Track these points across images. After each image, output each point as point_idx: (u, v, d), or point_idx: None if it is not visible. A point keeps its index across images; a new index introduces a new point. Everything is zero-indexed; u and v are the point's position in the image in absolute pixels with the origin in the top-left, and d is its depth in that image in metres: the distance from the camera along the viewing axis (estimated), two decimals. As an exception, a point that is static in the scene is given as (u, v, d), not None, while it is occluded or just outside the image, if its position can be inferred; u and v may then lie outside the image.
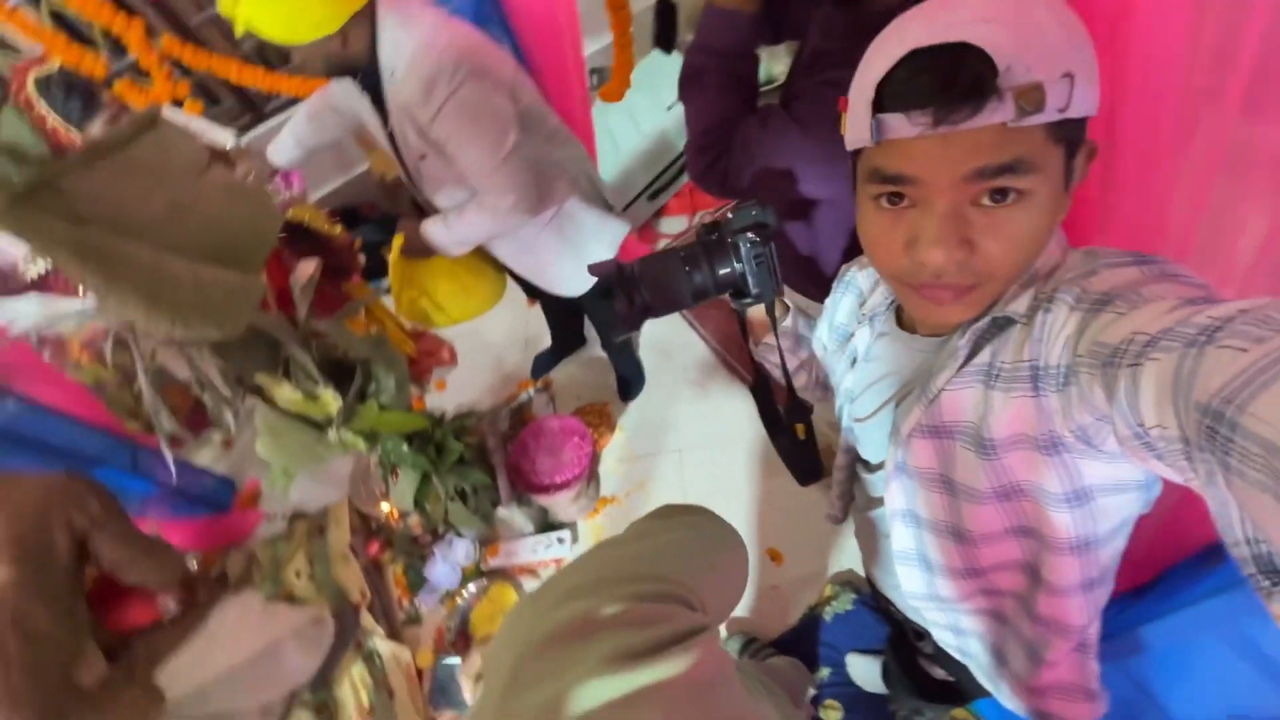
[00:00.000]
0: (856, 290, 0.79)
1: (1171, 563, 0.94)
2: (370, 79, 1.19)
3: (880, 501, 0.73)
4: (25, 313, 0.96)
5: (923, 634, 0.88)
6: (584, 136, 1.84)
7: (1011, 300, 0.54)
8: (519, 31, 1.57)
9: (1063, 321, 0.49)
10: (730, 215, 0.71)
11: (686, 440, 1.98)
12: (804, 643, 1.57)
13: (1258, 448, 0.29)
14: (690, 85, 0.94)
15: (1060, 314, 0.49)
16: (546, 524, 1.87)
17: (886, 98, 0.49)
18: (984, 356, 0.56)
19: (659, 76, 2.51)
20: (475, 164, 1.19)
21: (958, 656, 0.80)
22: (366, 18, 1.12)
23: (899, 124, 0.48)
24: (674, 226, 2.55)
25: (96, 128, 1.22)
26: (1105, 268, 0.50)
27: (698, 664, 0.38)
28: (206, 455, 1.16)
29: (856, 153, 0.56)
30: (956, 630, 0.76)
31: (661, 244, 2.53)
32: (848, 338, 0.77)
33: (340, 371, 1.26)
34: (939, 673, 1.09)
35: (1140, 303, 0.43)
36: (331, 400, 1.16)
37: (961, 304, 0.55)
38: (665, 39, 1.20)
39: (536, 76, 1.69)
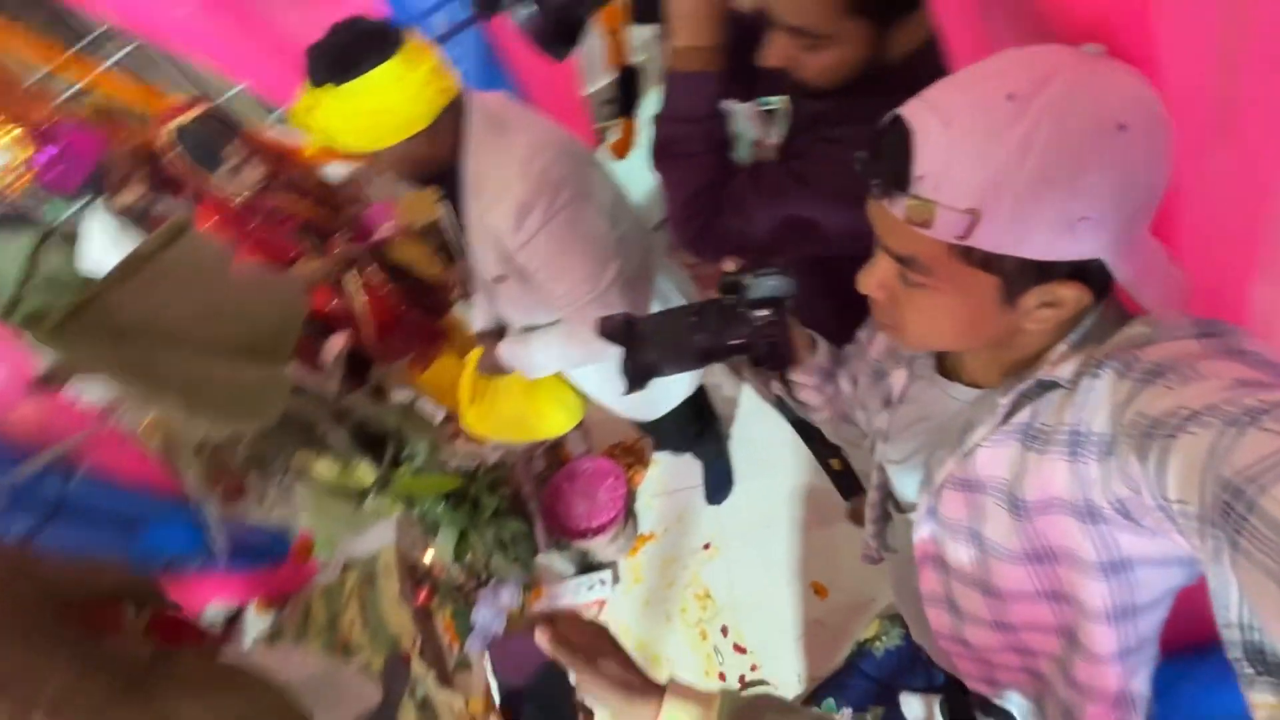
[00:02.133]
0: None
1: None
2: (450, 180, 1.04)
3: (910, 544, 0.71)
4: (95, 385, 1.01)
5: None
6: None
7: (1059, 362, 0.53)
8: (526, 91, 1.60)
9: (1109, 390, 0.47)
10: (749, 282, 0.69)
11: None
12: (854, 679, 1.53)
13: (1271, 531, 0.29)
14: (665, 155, 0.91)
15: (1107, 382, 0.48)
16: (587, 564, 1.88)
17: None
18: (1024, 416, 0.55)
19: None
20: (568, 297, 1.06)
21: (998, 702, 0.77)
22: (454, 113, 0.99)
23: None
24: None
25: (222, 174, 1.45)
26: (1164, 338, 0.48)
27: None
28: (259, 511, 1.21)
29: None
30: (991, 682, 0.75)
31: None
32: (882, 375, 0.75)
33: (375, 439, 1.30)
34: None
35: (1194, 379, 0.42)
36: (367, 471, 1.19)
37: (891, 336, 0.59)
38: (627, 105, 1.20)
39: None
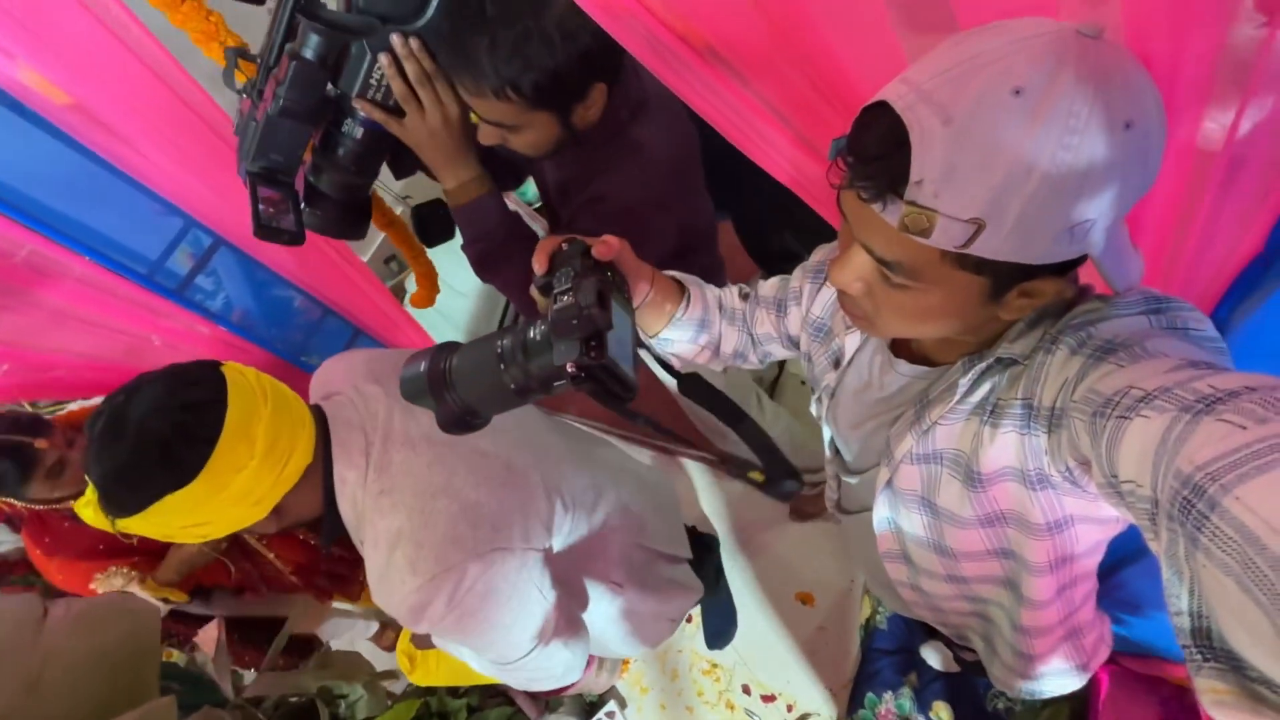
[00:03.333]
0: None
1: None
2: (332, 528, 0.84)
3: (863, 505, 0.73)
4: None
5: None
6: (414, 342, 1.82)
7: (1017, 339, 0.53)
8: (303, 284, 1.53)
9: (1061, 365, 0.48)
10: (558, 280, 0.61)
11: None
12: (877, 663, 1.53)
13: (1235, 533, 0.28)
14: (486, 269, 1.02)
15: (1060, 357, 0.48)
16: (589, 706, 1.73)
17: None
18: (981, 392, 0.55)
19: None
20: (494, 664, 0.86)
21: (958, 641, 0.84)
22: (313, 471, 0.80)
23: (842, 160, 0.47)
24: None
25: (36, 485, 1.14)
26: (1116, 314, 0.48)
27: None
28: None
29: None
30: (945, 625, 0.81)
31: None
32: (827, 333, 0.75)
33: (304, 710, 1.11)
34: (967, 654, 1.10)
35: (1143, 357, 0.42)
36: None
37: (862, 329, 0.57)
38: (426, 238, 1.20)
39: (347, 313, 1.65)
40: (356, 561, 1.46)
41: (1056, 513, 0.55)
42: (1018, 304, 0.49)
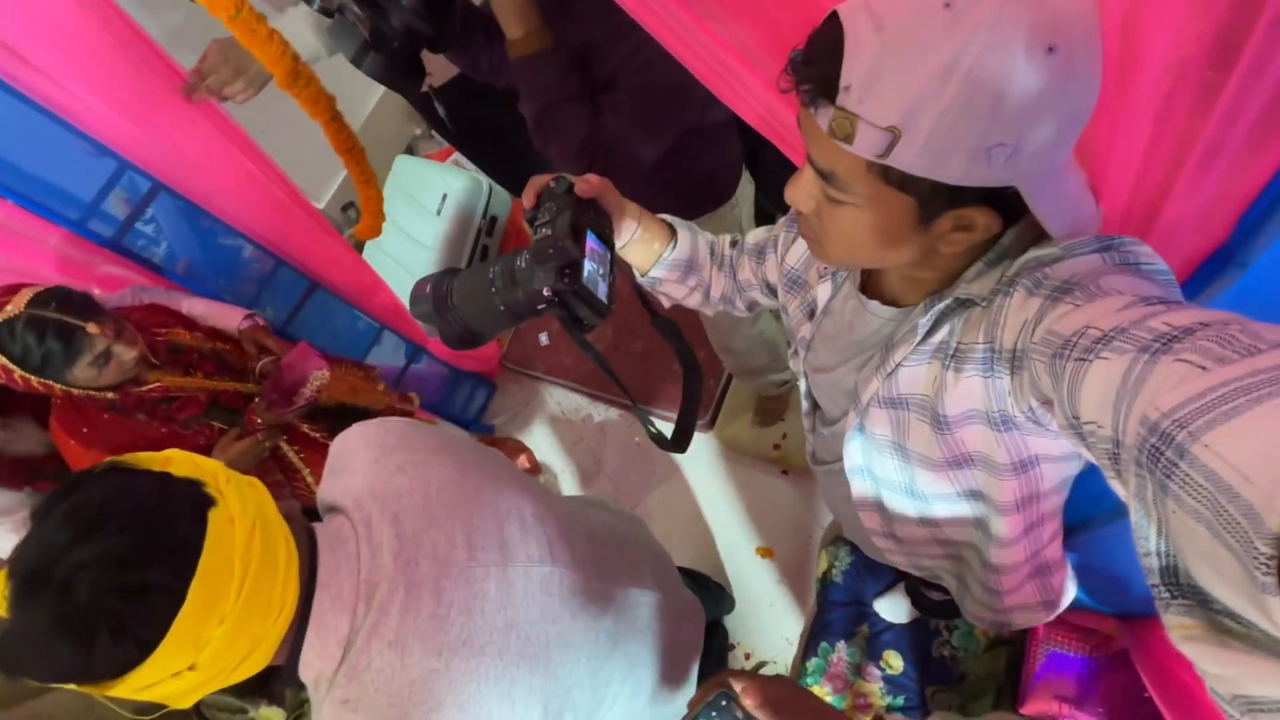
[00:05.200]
0: None
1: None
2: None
3: (838, 456, 0.74)
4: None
5: None
6: (368, 289, 1.76)
7: (975, 279, 0.54)
8: (252, 233, 1.46)
9: (1020, 306, 0.48)
10: (544, 212, 0.66)
11: (639, 498, 1.95)
12: (831, 614, 1.59)
13: (1205, 480, 0.28)
14: (543, 130, 1.01)
15: (1018, 298, 0.49)
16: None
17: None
18: (942, 334, 0.56)
19: (411, 185, 2.45)
20: None
21: (931, 580, 0.87)
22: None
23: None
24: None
25: (80, 370, 1.06)
26: (1068, 255, 0.49)
27: None
28: None
29: None
30: (919, 568, 0.84)
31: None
32: (802, 284, 0.76)
33: None
34: (935, 594, 1.16)
35: (1098, 295, 0.43)
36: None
37: (814, 254, 0.58)
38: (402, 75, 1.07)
39: (301, 264, 1.58)
40: None
41: (1021, 453, 0.56)
42: (953, 236, 0.50)
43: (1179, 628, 0.31)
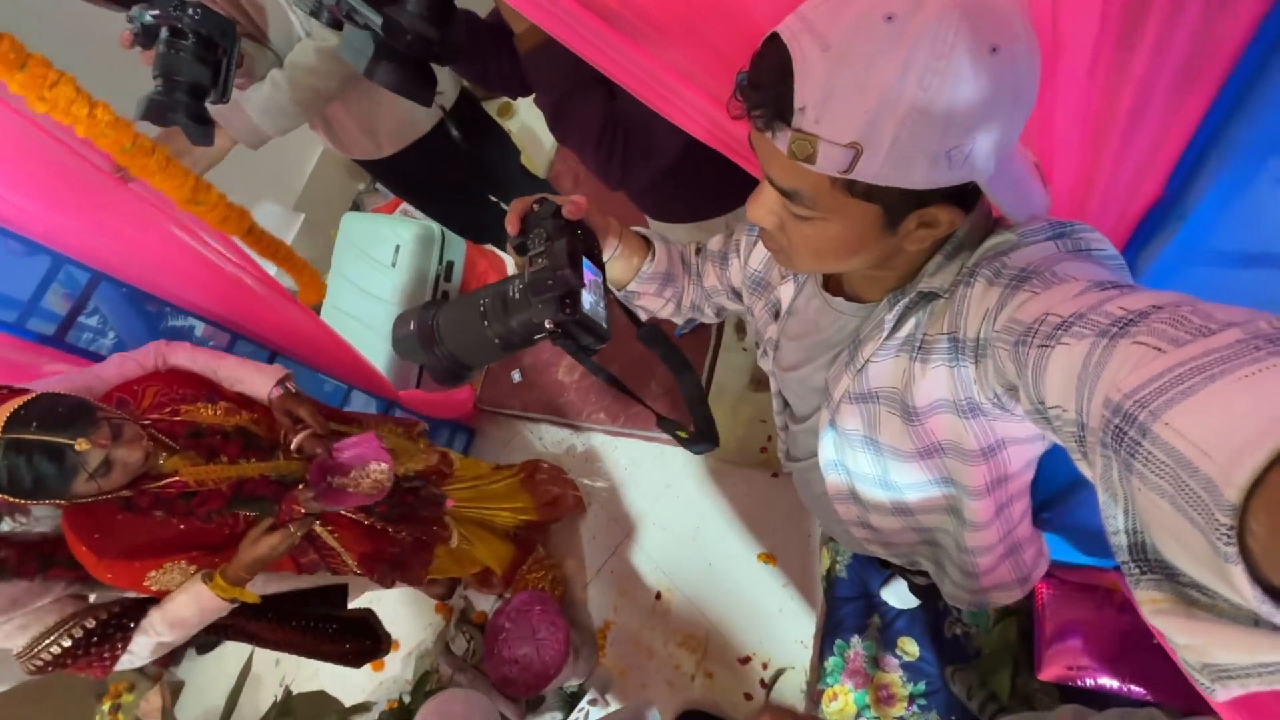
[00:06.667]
0: None
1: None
2: None
3: (811, 452, 0.75)
4: None
5: None
6: (330, 350, 1.72)
7: (936, 272, 0.55)
8: (202, 310, 1.42)
9: (981, 296, 0.50)
10: (531, 241, 0.65)
11: (634, 523, 1.93)
12: (840, 610, 1.59)
13: (1167, 457, 0.28)
14: (560, 120, 0.98)
15: (979, 289, 0.50)
16: (570, 697, 1.72)
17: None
18: (908, 328, 0.57)
19: (362, 241, 2.42)
20: None
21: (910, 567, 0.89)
22: None
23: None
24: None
25: (80, 486, 0.93)
26: (1024, 243, 0.50)
27: None
28: None
29: None
30: (897, 555, 0.85)
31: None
32: (766, 286, 0.76)
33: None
34: (920, 579, 1.17)
35: (1055, 282, 0.44)
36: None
37: (782, 265, 0.58)
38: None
39: (257, 335, 1.55)
40: (418, 547, 1.41)
41: (989, 438, 0.58)
42: (918, 234, 0.50)
43: (1149, 602, 0.32)
